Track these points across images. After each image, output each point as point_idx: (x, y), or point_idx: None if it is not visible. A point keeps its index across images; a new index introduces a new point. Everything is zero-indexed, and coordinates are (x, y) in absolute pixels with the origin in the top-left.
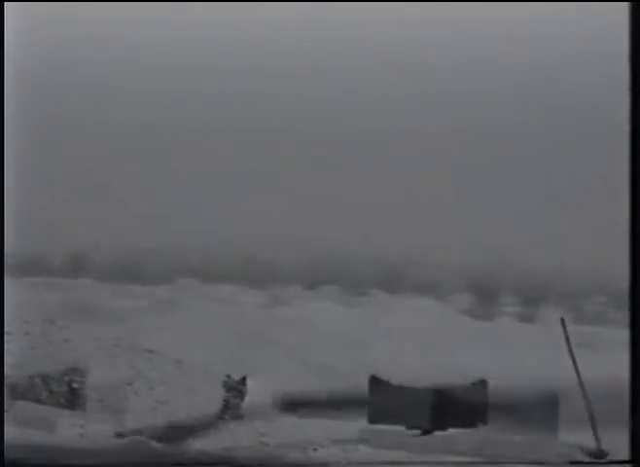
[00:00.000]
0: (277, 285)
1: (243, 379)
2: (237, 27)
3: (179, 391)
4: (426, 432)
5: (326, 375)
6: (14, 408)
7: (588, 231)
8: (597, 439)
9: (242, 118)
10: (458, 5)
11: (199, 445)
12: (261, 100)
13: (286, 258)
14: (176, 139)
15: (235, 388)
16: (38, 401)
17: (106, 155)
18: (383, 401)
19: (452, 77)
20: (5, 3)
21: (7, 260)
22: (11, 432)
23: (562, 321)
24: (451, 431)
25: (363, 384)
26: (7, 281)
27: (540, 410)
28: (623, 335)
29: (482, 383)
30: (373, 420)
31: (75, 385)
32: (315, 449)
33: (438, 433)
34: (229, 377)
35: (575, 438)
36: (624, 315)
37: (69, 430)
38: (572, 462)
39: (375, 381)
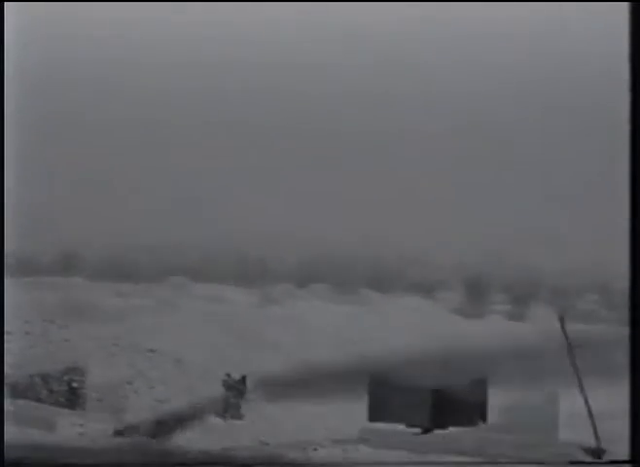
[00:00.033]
0: (267, 284)
1: (243, 379)
2: (237, 27)
3: (178, 389)
4: (426, 430)
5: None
6: (14, 407)
7: (588, 231)
8: (597, 437)
9: (241, 116)
10: (458, 5)
11: (184, 439)
12: (260, 99)
13: (285, 257)
14: (174, 137)
15: (235, 387)
16: (38, 400)
17: (104, 152)
18: (383, 400)
19: (452, 76)
20: (5, 3)
21: (7, 260)
22: (11, 431)
23: (561, 319)
24: (451, 430)
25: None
26: (7, 281)
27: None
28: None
29: (482, 383)
30: (373, 419)
31: (75, 384)
32: (315, 449)
33: (438, 432)
34: (228, 375)
35: None
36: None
37: (69, 429)
38: (572, 462)
39: (375, 381)
